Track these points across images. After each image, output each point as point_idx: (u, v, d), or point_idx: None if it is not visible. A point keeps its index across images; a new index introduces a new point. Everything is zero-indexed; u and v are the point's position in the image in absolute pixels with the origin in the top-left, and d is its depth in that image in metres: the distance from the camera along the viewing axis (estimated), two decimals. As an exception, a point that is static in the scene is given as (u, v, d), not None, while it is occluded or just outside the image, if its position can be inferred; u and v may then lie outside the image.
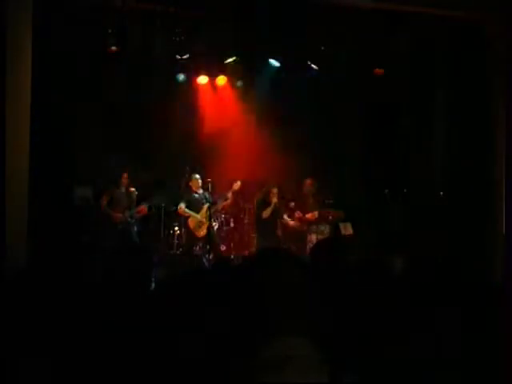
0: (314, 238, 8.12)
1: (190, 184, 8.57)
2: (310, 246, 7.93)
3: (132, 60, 8.31)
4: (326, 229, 8.29)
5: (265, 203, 8.31)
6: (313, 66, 8.84)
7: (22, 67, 5.86)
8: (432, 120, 8.71)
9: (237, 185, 8.47)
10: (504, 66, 6.86)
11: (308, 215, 8.27)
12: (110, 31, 7.64)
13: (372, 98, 9.16)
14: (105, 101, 8.45)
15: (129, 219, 8.19)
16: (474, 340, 2.33)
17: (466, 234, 7.44)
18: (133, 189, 8.26)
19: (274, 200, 8.26)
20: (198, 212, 8.49)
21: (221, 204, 8.59)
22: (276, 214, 8.34)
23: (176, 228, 8.77)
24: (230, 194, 8.53)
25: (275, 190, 8.30)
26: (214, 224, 8.61)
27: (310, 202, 8.38)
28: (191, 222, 8.51)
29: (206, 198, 8.50)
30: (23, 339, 2.24)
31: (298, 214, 8.29)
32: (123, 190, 8.27)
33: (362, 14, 7.37)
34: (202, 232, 8.47)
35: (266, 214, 8.26)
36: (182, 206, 8.47)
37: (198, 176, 8.57)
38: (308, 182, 8.37)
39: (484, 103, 7.45)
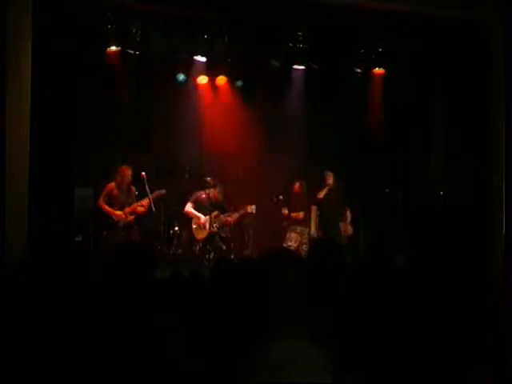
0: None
1: (214, 193, 8.42)
2: None
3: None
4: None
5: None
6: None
7: (22, 67, 5.84)
8: (432, 120, 8.70)
9: (251, 208, 8.44)
10: (504, 66, 6.86)
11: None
12: (110, 31, 7.65)
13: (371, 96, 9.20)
14: (105, 100, 8.44)
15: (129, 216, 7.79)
16: (474, 339, 2.33)
17: (465, 234, 7.44)
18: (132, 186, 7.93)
19: (330, 181, 8.29)
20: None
21: (225, 218, 8.53)
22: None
23: (176, 228, 8.73)
24: (236, 215, 8.53)
25: (330, 173, 8.33)
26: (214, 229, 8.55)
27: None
28: (194, 223, 8.49)
29: (216, 206, 8.45)
30: (23, 337, 2.24)
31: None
32: (124, 186, 7.73)
33: (362, 14, 7.35)
34: (202, 235, 8.45)
35: (320, 195, 8.30)
36: (190, 205, 8.43)
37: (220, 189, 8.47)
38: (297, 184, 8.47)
39: (484, 103, 7.45)
